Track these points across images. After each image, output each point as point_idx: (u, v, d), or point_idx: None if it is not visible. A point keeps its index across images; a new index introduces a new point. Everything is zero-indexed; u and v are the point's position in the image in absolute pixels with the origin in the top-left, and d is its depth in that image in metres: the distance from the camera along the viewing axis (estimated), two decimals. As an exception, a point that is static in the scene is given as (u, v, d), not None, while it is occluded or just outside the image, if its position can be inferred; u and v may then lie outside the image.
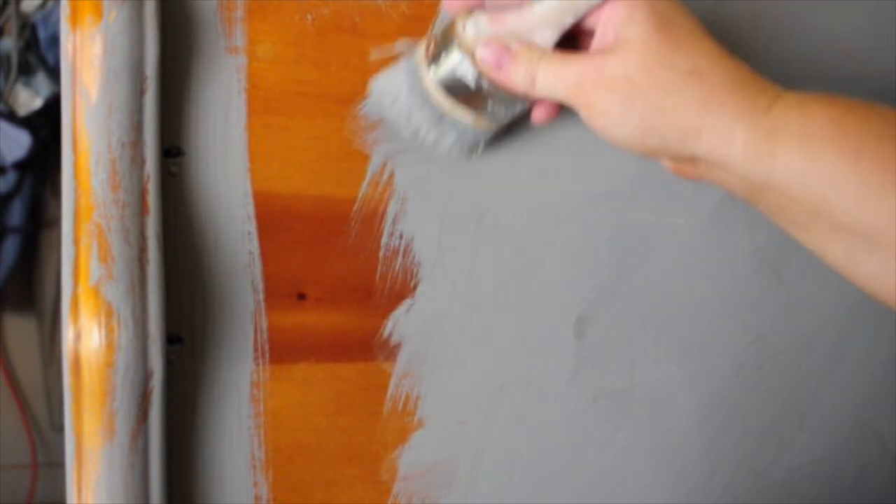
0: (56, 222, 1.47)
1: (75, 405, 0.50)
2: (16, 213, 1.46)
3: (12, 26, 1.36)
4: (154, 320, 0.50)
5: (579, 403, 0.63)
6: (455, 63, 0.51)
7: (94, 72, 0.48)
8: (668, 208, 0.61)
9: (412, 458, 0.60)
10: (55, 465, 1.60)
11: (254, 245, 0.55)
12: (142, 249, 0.50)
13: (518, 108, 0.53)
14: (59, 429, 1.57)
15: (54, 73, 1.35)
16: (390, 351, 0.59)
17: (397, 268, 0.58)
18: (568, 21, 0.49)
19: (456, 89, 0.51)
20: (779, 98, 0.46)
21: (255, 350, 0.56)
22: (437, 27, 0.52)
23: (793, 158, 0.45)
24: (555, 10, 0.48)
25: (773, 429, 0.67)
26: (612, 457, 0.64)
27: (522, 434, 0.62)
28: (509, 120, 0.54)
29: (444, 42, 0.51)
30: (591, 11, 0.48)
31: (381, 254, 0.57)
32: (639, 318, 0.62)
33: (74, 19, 0.48)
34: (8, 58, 1.36)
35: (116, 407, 0.50)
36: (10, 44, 1.36)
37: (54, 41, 1.35)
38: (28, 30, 1.37)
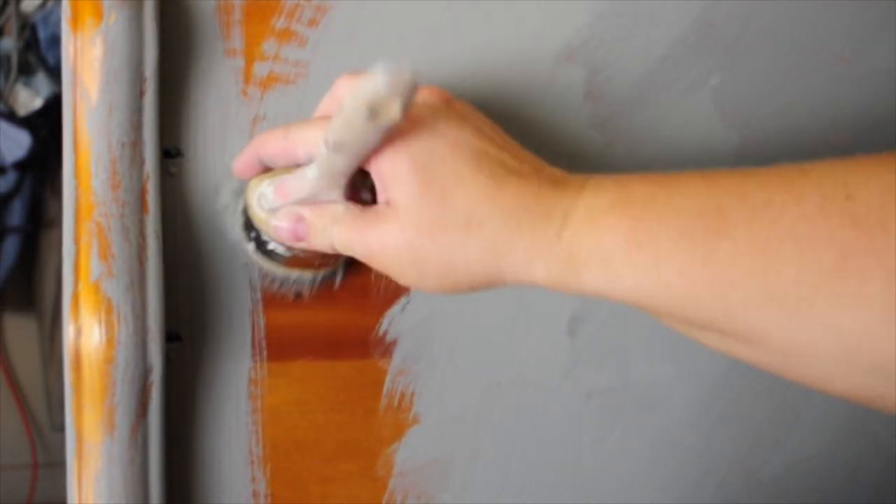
0: (56, 222, 1.46)
1: (76, 401, 0.50)
2: (16, 213, 1.46)
3: (12, 26, 1.36)
4: (153, 317, 0.51)
5: (573, 401, 0.63)
6: (264, 240, 0.52)
7: (94, 73, 0.49)
8: (661, 208, 0.62)
9: (408, 455, 0.60)
10: (55, 465, 1.60)
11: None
12: (141, 247, 0.50)
13: None
14: (59, 428, 1.57)
15: (54, 73, 1.35)
16: (386, 348, 0.59)
17: (393, 266, 0.58)
18: (342, 182, 0.47)
19: (278, 258, 0.53)
20: (569, 215, 0.44)
21: (253, 347, 0.57)
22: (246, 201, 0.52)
23: (597, 280, 0.43)
24: (324, 177, 0.47)
25: (766, 427, 0.67)
26: (605, 454, 0.64)
27: (517, 431, 0.62)
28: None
29: (249, 220, 0.51)
30: (363, 165, 0.46)
31: (377, 252, 0.57)
32: (632, 316, 0.62)
33: (75, 22, 0.49)
34: (8, 58, 1.36)
35: (116, 402, 0.50)
36: (10, 44, 1.36)
37: (54, 41, 1.35)
38: (28, 30, 1.37)
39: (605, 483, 0.65)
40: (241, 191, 0.53)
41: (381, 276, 0.58)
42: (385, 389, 0.59)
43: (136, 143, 0.50)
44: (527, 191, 0.45)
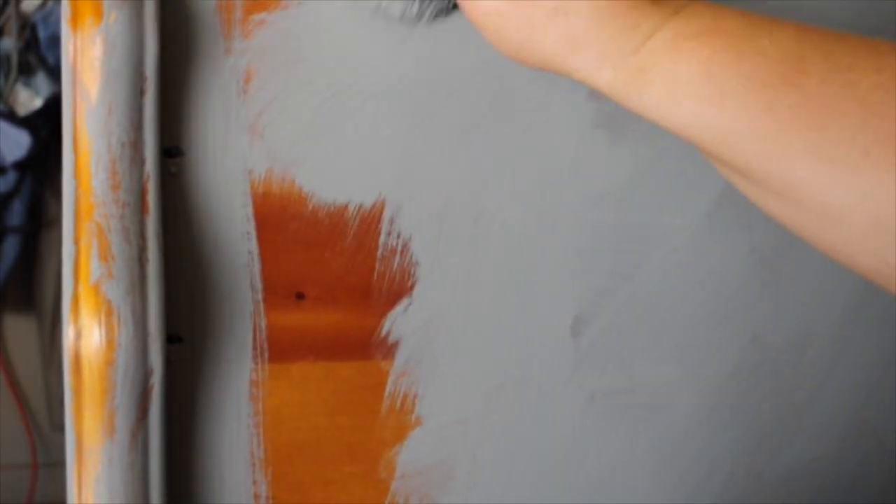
0: (56, 222, 1.47)
1: (76, 403, 0.50)
2: (16, 213, 1.46)
3: (12, 26, 1.36)
4: (154, 319, 0.50)
5: (577, 403, 0.63)
6: None
7: (94, 73, 0.49)
8: (665, 208, 0.62)
9: (410, 457, 0.60)
10: (55, 465, 1.60)
11: (253, 245, 0.55)
12: (142, 248, 0.50)
13: None
14: (59, 429, 1.57)
15: (54, 73, 1.35)
16: (388, 350, 0.59)
17: (395, 267, 0.58)
18: None
19: None
20: (656, 32, 0.44)
21: (254, 349, 0.57)
22: None
23: (659, 100, 0.44)
24: None
25: (770, 428, 0.67)
26: (609, 456, 0.64)
27: (520, 433, 0.62)
28: None
29: None
30: None
31: (378, 253, 0.57)
32: (636, 317, 0.62)
33: (75, 21, 0.48)
34: (8, 58, 1.37)
35: (116, 405, 0.50)
36: (10, 44, 1.37)
37: (54, 41, 1.35)
38: (28, 30, 1.37)
39: (608, 485, 0.65)
40: None
41: (383, 277, 0.58)
42: (387, 391, 0.59)
43: (136, 143, 0.50)
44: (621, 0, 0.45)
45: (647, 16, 0.45)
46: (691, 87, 0.43)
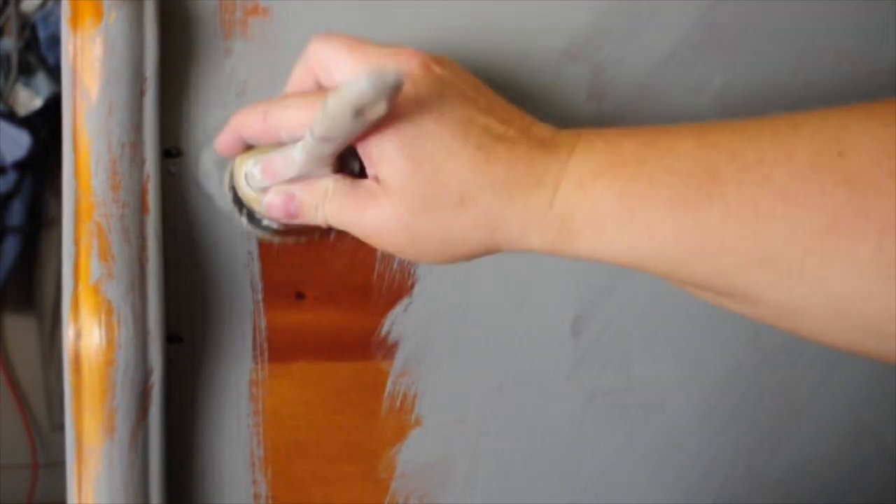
0: (56, 222, 1.46)
1: (75, 403, 0.50)
2: (16, 213, 1.46)
3: (12, 26, 1.36)
4: (154, 318, 0.50)
5: (577, 402, 0.63)
6: (258, 216, 0.52)
7: (94, 73, 0.49)
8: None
9: (410, 456, 0.60)
10: (55, 465, 1.60)
11: (252, 244, 0.55)
12: (142, 248, 0.50)
13: None
14: (59, 429, 1.57)
15: (54, 73, 1.35)
16: (388, 349, 0.59)
17: (395, 267, 0.58)
18: (329, 161, 0.46)
19: (273, 231, 0.53)
20: (560, 181, 0.44)
21: (254, 349, 0.57)
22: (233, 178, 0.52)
23: (590, 246, 0.43)
24: (311, 161, 0.46)
25: (770, 428, 0.67)
26: (609, 455, 0.64)
27: (520, 432, 0.62)
28: None
29: (235, 195, 0.52)
30: (349, 144, 0.45)
31: (378, 253, 0.57)
32: (636, 317, 0.62)
33: (75, 21, 0.48)
34: (8, 58, 1.37)
35: (116, 404, 0.50)
36: (10, 44, 1.36)
37: (54, 41, 1.35)
38: (28, 30, 1.37)
39: (608, 484, 0.65)
40: (222, 161, 0.53)
41: (383, 277, 0.57)
42: (387, 391, 0.59)
43: (136, 143, 0.50)
44: (516, 158, 0.44)
45: (545, 167, 0.44)
46: (618, 228, 0.42)
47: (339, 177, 0.47)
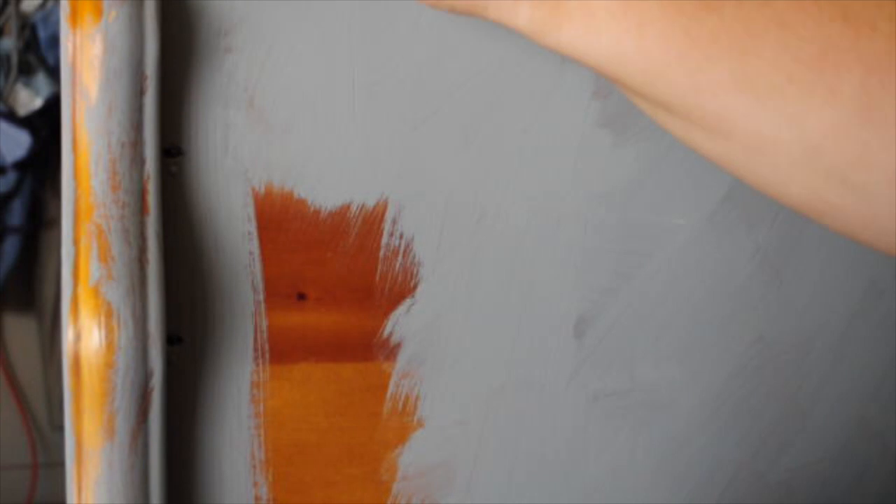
0: (56, 222, 1.47)
1: (75, 405, 0.50)
2: (16, 213, 1.46)
3: (12, 26, 1.36)
4: (154, 320, 0.50)
5: (579, 404, 0.63)
6: None
7: (94, 72, 0.48)
8: (669, 208, 0.61)
9: (412, 458, 0.60)
10: (55, 465, 1.60)
11: (254, 245, 0.55)
12: (142, 249, 0.50)
13: None
14: (59, 429, 1.57)
15: (54, 73, 1.35)
16: (390, 351, 0.59)
17: (397, 267, 0.57)
18: None
19: None
20: None
21: (255, 350, 0.56)
22: None
23: (577, 35, 0.42)
24: None
25: (773, 429, 0.67)
26: (612, 457, 0.64)
27: (522, 434, 0.62)
28: None
29: None
30: None
31: (381, 254, 0.57)
32: (639, 318, 0.62)
33: (74, 19, 0.48)
34: (8, 58, 1.37)
35: (116, 407, 0.50)
36: (10, 44, 1.37)
37: (54, 41, 1.35)
38: (28, 30, 1.37)
39: (610, 486, 0.65)
40: None
41: (385, 278, 0.57)
42: (389, 393, 0.59)
43: (136, 143, 0.50)
44: None
45: None
46: (609, 19, 0.41)
47: None
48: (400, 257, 0.57)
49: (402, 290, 0.58)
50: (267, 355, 0.57)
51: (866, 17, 0.37)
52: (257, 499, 0.58)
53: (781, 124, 0.39)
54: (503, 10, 0.44)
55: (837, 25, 0.37)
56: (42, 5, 1.37)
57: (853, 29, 0.37)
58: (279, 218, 0.55)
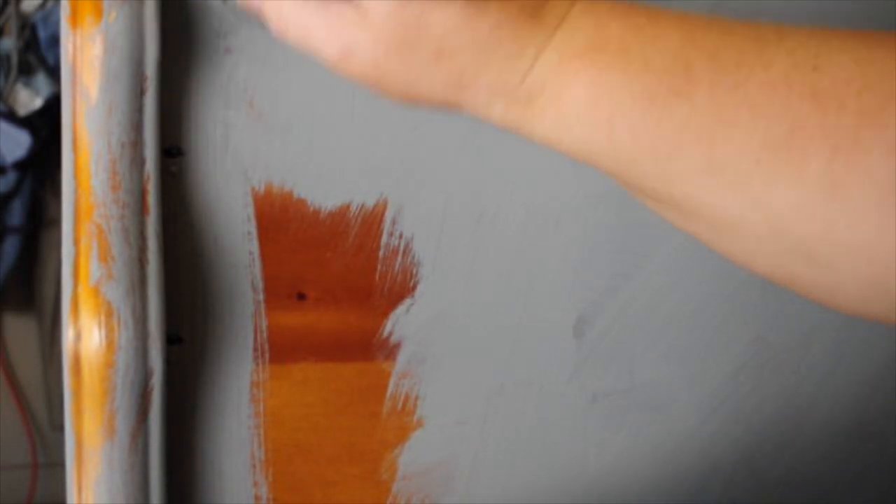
0: (56, 222, 1.46)
1: (75, 405, 0.50)
2: (16, 213, 1.46)
3: (12, 26, 1.36)
4: (154, 320, 0.50)
5: (579, 403, 0.63)
6: None
7: (94, 72, 0.48)
8: (668, 208, 0.61)
9: (412, 458, 0.60)
10: (55, 465, 1.60)
11: (254, 245, 0.55)
12: (142, 249, 0.50)
13: None
14: (59, 429, 1.57)
15: (54, 73, 1.35)
16: (390, 350, 0.58)
17: (397, 267, 0.57)
18: None
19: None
20: (540, 55, 0.42)
21: (255, 350, 0.56)
22: None
23: (550, 127, 0.42)
24: None
25: (772, 429, 0.67)
26: (611, 457, 0.64)
27: (522, 434, 0.62)
28: None
29: None
30: None
31: (380, 253, 0.57)
32: (639, 318, 0.62)
33: (74, 19, 0.48)
34: (8, 58, 1.36)
35: (116, 406, 0.50)
36: (10, 44, 1.36)
37: (54, 41, 1.35)
38: (28, 30, 1.37)
39: (610, 485, 0.65)
40: None
41: (385, 278, 0.57)
42: (389, 392, 0.59)
43: (136, 143, 0.50)
44: (505, 20, 0.43)
45: (530, 38, 0.43)
46: (580, 113, 0.41)
47: None
48: (399, 257, 0.57)
49: (401, 289, 0.58)
50: (267, 355, 0.57)
51: (835, 93, 0.37)
52: (257, 499, 0.58)
53: (747, 206, 0.39)
54: (478, 108, 0.44)
55: (806, 104, 0.37)
56: (42, 5, 1.37)
57: (821, 107, 0.37)
58: (279, 218, 0.55)
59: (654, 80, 0.40)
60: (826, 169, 0.37)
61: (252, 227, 0.55)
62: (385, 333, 0.58)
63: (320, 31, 0.44)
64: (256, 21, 0.47)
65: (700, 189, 0.40)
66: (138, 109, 0.50)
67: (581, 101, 0.41)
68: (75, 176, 0.50)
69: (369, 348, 0.58)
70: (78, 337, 0.49)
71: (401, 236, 0.57)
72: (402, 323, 0.58)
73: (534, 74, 0.43)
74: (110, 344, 0.49)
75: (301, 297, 0.57)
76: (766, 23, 0.41)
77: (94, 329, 0.49)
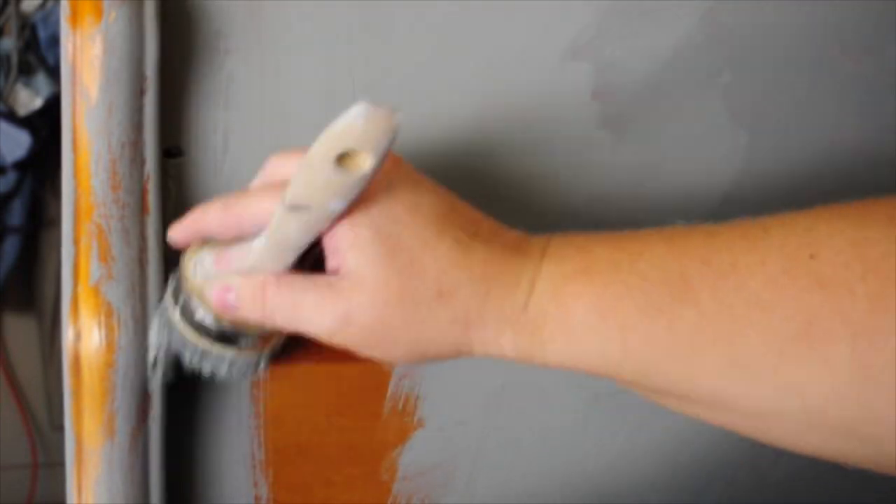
0: (56, 222, 1.46)
1: (75, 405, 0.50)
2: (16, 213, 1.46)
3: (12, 26, 1.36)
4: (154, 320, 0.50)
5: (579, 404, 0.63)
6: (193, 308, 0.47)
7: (94, 72, 0.48)
8: (669, 209, 0.61)
9: (412, 458, 0.60)
10: (55, 465, 1.60)
11: (254, 245, 0.55)
12: (142, 249, 0.50)
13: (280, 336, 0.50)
14: (59, 429, 1.57)
15: (54, 73, 1.35)
16: (390, 351, 0.58)
17: (397, 268, 0.57)
18: (290, 258, 0.44)
19: (203, 330, 0.47)
20: (535, 283, 0.43)
21: (255, 350, 0.56)
22: (180, 266, 0.48)
23: (561, 350, 0.43)
24: (273, 248, 0.43)
25: (773, 429, 0.67)
26: (612, 457, 0.64)
27: (522, 434, 0.62)
28: (282, 341, 0.51)
29: (181, 285, 0.48)
30: (316, 240, 0.43)
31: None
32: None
33: (74, 19, 0.48)
34: (8, 58, 1.36)
35: (116, 407, 0.50)
36: (10, 44, 1.36)
37: (54, 41, 1.35)
38: (28, 30, 1.37)
39: (611, 485, 0.65)
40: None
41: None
42: (389, 393, 0.59)
43: (136, 143, 0.50)
44: (492, 256, 0.44)
45: (521, 269, 0.43)
46: (589, 332, 0.42)
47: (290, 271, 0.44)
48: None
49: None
50: (267, 355, 0.56)
51: (841, 280, 0.38)
52: (257, 499, 0.58)
53: (781, 397, 0.39)
54: (489, 346, 0.44)
55: (816, 296, 0.38)
56: (42, 5, 1.37)
57: (833, 296, 0.38)
58: (279, 218, 0.55)
59: (654, 291, 0.41)
60: (852, 354, 0.37)
61: (252, 228, 0.55)
62: (385, 333, 0.58)
63: (311, 306, 0.43)
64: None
65: (728, 384, 0.40)
66: (138, 109, 0.50)
67: (588, 322, 0.42)
68: (75, 176, 0.50)
69: (369, 348, 0.58)
70: (78, 337, 0.49)
71: (401, 236, 0.57)
72: (402, 323, 0.58)
73: (534, 304, 0.43)
74: (110, 344, 0.49)
75: (301, 297, 0.56)
76: (743, 219, 0.41)
77: (94, 329, 0.49)
